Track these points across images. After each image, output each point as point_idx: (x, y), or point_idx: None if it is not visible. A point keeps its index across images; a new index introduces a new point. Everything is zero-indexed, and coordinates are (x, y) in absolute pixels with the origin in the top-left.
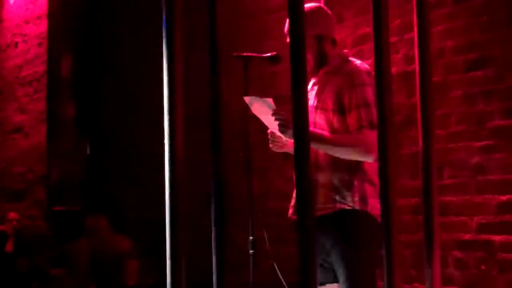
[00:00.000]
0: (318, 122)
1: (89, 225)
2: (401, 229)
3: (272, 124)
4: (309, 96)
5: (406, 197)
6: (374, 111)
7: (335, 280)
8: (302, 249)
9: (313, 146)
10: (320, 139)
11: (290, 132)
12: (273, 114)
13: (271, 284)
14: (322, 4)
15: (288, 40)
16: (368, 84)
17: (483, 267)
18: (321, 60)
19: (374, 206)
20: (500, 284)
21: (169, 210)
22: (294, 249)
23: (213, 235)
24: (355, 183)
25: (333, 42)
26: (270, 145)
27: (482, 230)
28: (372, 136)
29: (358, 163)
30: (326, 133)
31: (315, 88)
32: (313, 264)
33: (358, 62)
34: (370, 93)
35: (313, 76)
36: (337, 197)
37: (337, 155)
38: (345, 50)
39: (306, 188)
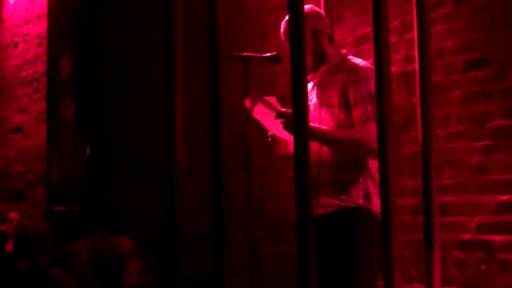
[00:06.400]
0: (323, 119)
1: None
2: (401, 229)
3: (274, 126)
4: (311, 96)
5: (406, 197)
6: None
7: (336, 279)
8: (302, 249)
9: (320, 142)
10: (325, 135)
11: None
12: (277, 115)
13: (271, 284)
14: (315, 6)
15: (285, 41)
16: (372, 79)
17: (483, 267)
18: (320, 57)
19: (377, 203)
20: (500, 284)
21: (170, 210)
22: (294, 249)
23: (213, 235)
24: (360, 180)
25: (330, 40)
26: (273, 148)
27: (482, 230)
28: None
29: (363, 161)
30: (330, 128)
31: (317, 87)
32: (313, 264)
33: (358, 60)
34: (374, 88)
35: (312, 74)
36: (342, 195)
37: (344, 150)
38: (344, 50)
39: (306, 188)
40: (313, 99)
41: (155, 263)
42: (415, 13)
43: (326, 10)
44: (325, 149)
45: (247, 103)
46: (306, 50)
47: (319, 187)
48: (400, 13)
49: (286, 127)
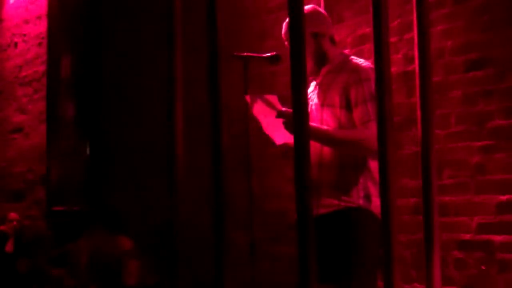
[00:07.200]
0: (325, 119)
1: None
2: (401, 229)
3: (273, 124)
4: (312, 96)
5: (406, 197)
6: None
7: (336, 279)
8: (302, 249)
9: (320, 142)
10: (326, 135)
11: None
12: (277, 115)
13: (271, 284)
14: (317, 6)
15: (287, 43)
16: (374, 79)
17: (483, 267)
18: (321, 59)
19: (377, 204)
20: (500, 284)
21: (170, 210)
22: (294, 249)
23: (213, 235)
24: (360, 180)
25: (332, 40)
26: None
27: (482, 230)
28: None
29: (364, 161)
30: (331, 128)
31: (319, 87)
32: (313, 264)
33: (360, 60)
34: None
35: (314, 76)
36: (343, 195)
37: (344, 150)
38: (346, 50)
39: (306, 188)
40: (314, 99)
41: (155, 263)
42: (415, 13)
43: (326, 10)
44: (326, 149)
45: (248, 98)
46: (306, 53)
47: (320, 187)
48: (400, 13)
49: (287, 126)
